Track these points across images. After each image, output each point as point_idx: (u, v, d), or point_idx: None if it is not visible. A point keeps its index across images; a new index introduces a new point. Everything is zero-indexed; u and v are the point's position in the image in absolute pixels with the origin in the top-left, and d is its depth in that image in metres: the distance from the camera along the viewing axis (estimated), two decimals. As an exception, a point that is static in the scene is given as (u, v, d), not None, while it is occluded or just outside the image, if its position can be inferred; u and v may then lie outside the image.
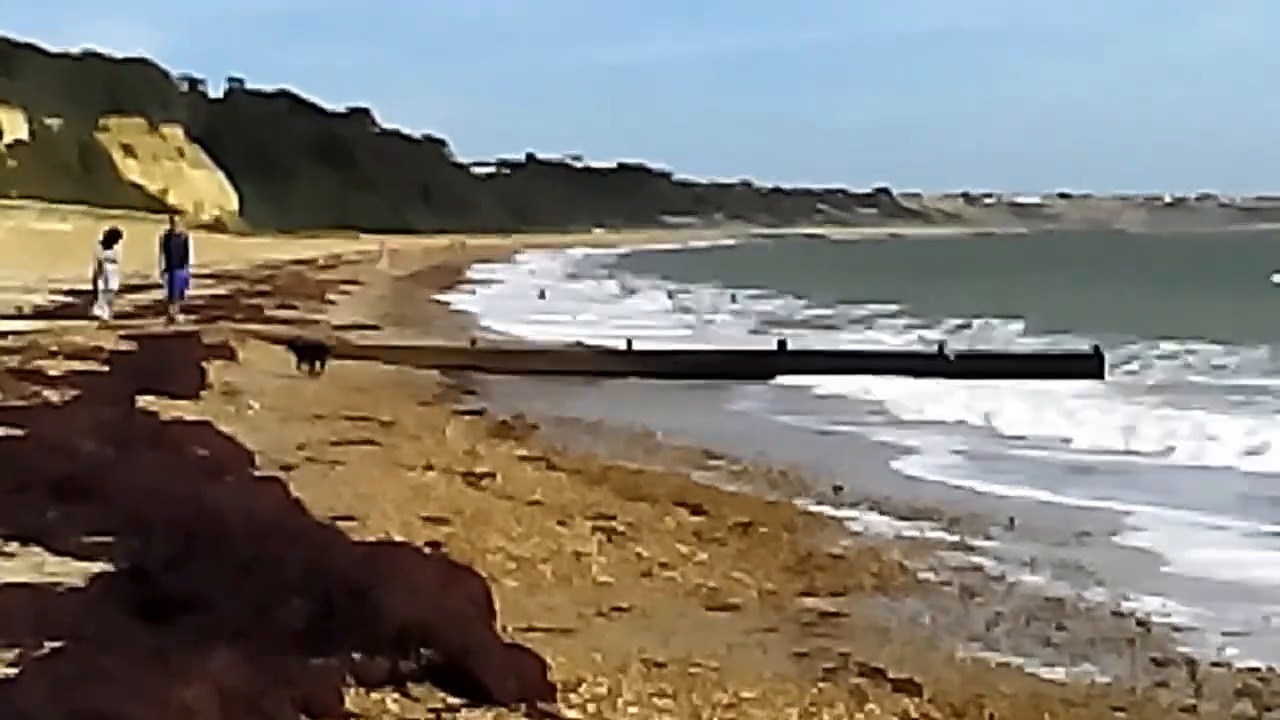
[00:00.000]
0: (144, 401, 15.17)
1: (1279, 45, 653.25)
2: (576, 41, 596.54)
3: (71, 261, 47.40)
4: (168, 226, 31.53)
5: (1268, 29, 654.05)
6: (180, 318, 28.78)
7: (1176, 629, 9.82)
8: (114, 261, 29.31)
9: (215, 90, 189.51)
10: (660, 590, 9.79)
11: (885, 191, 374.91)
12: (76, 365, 18.44)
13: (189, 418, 14.07)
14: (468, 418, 19.22)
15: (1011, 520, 13.55)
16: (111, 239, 29.73)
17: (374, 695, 6.28)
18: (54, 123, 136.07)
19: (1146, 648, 9.27)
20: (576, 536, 11.02)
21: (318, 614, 6.52)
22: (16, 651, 6.24)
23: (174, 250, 29.51)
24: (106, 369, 18.39)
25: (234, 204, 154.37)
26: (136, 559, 7.58)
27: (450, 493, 12.47)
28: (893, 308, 50.27)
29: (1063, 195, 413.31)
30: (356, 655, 6.39)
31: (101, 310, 28.53)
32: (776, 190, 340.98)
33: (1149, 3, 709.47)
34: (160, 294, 31.07)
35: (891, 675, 7.94)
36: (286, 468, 12.34)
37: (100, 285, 29.08)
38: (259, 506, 8.80)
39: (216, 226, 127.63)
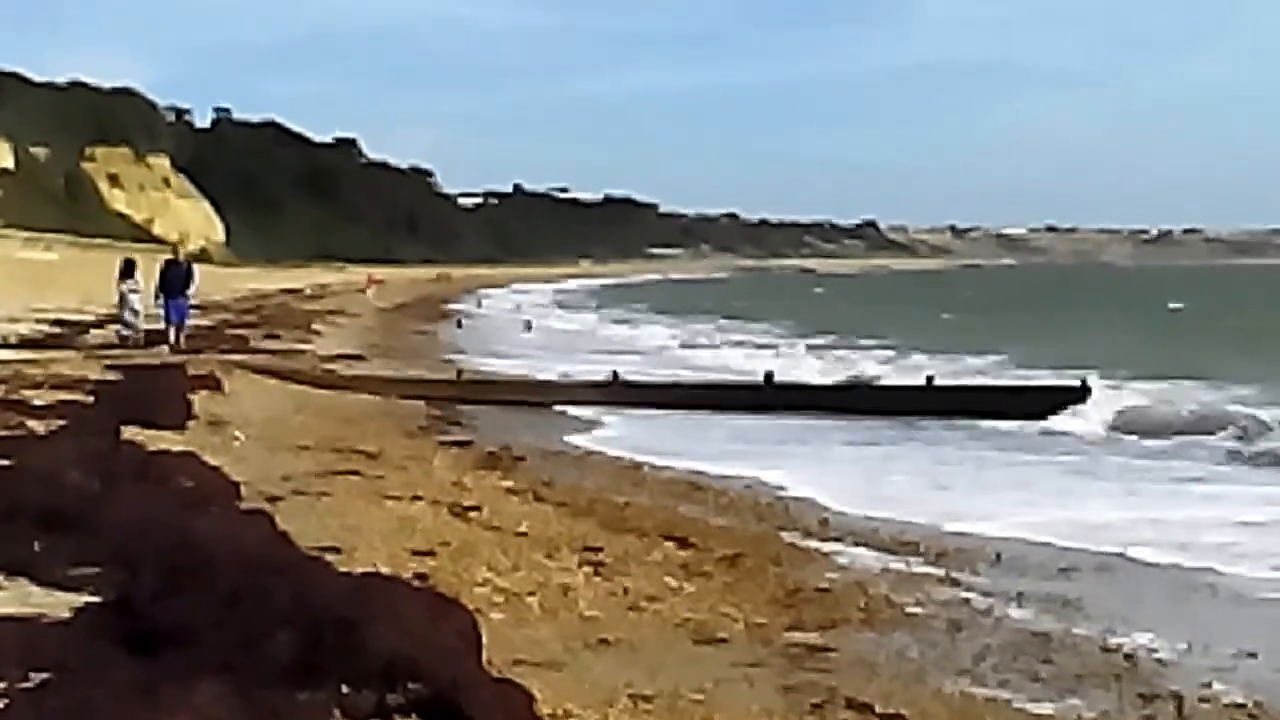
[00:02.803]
0: (130, 432, 15.12)
1: (1264, 85, 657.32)
2: (564, 73, 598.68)
3: (57, 291, 47.23)
4: (168, 256, 31.81)
5: (1253, 69, 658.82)
6: (176, 344, 28.99)
7: (1163, 663, 9.82)
8: (136, 291, 29.88)
9: (202, 120, 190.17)
10: (647, 623, 9.76)
11: (872, 224, 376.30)
12: (62, 395, 18.40)
13: (175, 449, 14.03)
14: (454, 449, 19.18)
15: (998, 555, 13.56)
16: (130, 269, 30.30)
17: (361, 729, 6.25)
18: (40, 152, 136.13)
19: (1134, 682, 9.26)
20: (563, 569, 11.00)
21: (304, 647, 6.50)
22: (2, 684, 6.21)
23: (173, 279, 29.80)
24: (92, 400, 18.35)
25: (220, 234, 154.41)
26: (122, 591, 7.56)
27: (437, 524, 12.45)
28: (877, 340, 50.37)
29: (1050, 228, 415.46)
30: (343, 689, 6.37)
31: (128, 337, 29.01)
32: (763, 223, 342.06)
33: (1136, 40, 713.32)
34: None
35: (879, 710, 7.93)
36: (273, 499, 12.31)
37: (127, 316, 29.64)
38: (245, 538, 8.77)
39: (202, 257, 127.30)
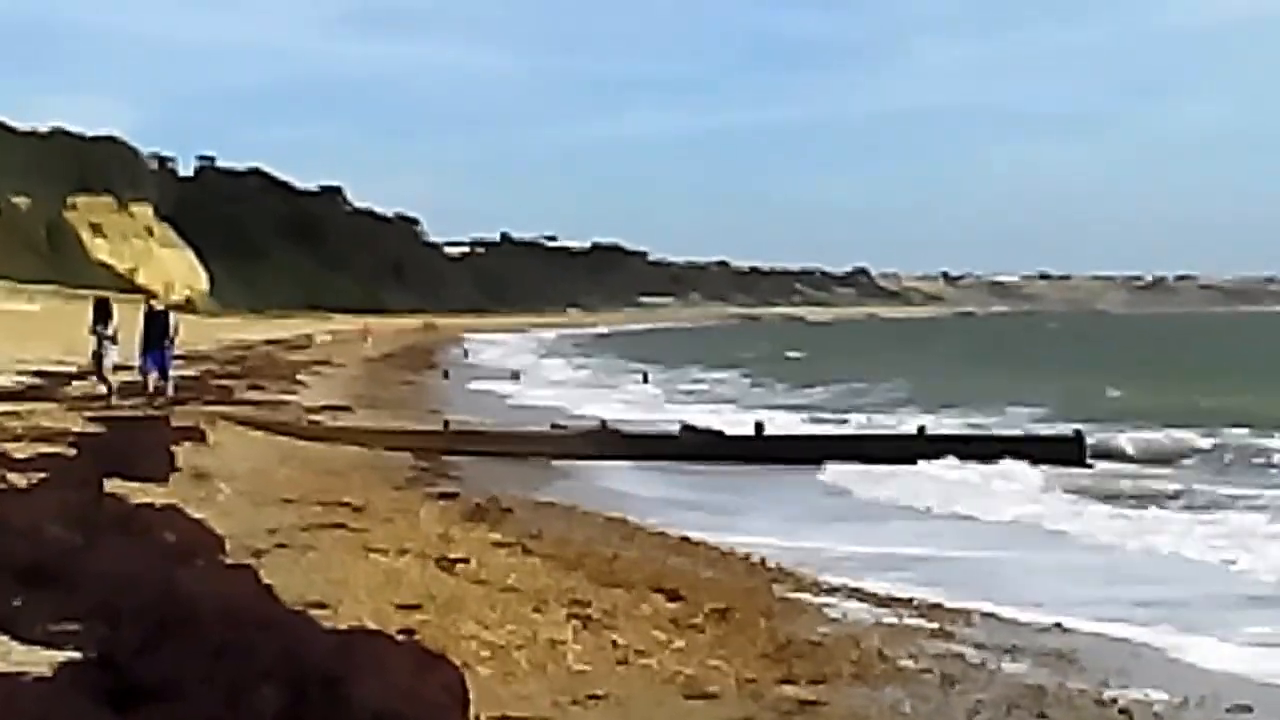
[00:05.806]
0: (112, 485, 14.98)
1: (1258, 130, 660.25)
2: (551, 120, 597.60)
3: (39, 342, 47.06)
4: (146, 306, 31.46)
5: (1247, 114, 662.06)
6: (165, 397, 28.74)
7: (1159, 717, 9.72)
8: (109, 338, 29.05)
9: (185, 168, 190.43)
10: (637, 678, 9.64)
11: (863, 272, 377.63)
12: (43, 448, 18.26)
13: (158, 502, 13.89)
14: (441, 501, 19.05)
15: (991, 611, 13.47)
16: (105, 311, 29.56)
17: (347, 789, 6.14)
18: (21, 201, 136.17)
19: (1130, 737, 9.17)
20: (551, 623, 10.88)
21: (290, 703, 6.40)
22: (-21, 745, 6.10)
23: (156, 329, 29.53)
24: (74, 452, 18.20)
25: (204, 283, 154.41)
26: (105, 647, 7.44)
27: (423, 578, 12.32)
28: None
29: (1043, 275, 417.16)
30: (329, 747, 6.27)
31: (105, 387, 28.45)
32: (754, 270, 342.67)
33: (1129, 85, 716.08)
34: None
35: (874, 766, 7.82)
36: (257, 553, 12.19)
37: (104, 363, 28.93)
38: (229, 593, 8.66)
39: (186, 306, 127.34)
